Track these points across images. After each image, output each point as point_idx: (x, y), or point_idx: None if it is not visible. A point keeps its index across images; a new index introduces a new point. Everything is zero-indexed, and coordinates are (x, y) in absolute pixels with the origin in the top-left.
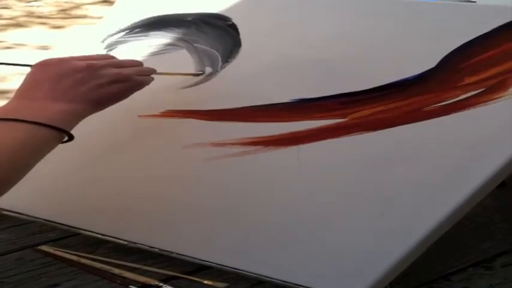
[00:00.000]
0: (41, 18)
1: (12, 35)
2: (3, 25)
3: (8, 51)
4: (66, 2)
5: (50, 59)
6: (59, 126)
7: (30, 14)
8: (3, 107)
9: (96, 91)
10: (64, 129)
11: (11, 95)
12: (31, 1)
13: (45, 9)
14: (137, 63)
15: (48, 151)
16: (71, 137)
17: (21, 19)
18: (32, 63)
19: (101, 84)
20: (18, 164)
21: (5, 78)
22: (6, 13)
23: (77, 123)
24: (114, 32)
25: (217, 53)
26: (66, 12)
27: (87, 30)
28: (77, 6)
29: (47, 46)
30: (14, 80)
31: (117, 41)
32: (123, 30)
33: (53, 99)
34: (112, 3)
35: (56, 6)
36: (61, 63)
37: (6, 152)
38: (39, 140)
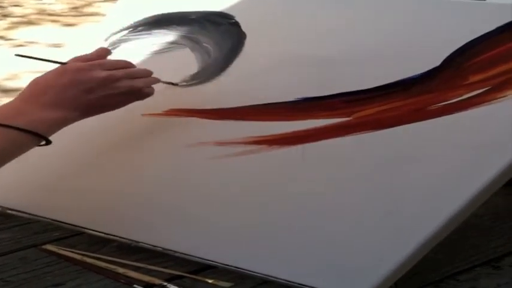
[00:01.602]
0: (52, 16)
1: (23, 33)
2: (14, 23)
3: (20, 49)
4: (78, 0)
5: (70, 66)
6: (44, 135)
7: (41, 12)
8: (3, 106)
9: (104, 100)
10: (46, 138)
11: None
12: None
13: (56, 7)
14: (148, 72)
15: (23, 153)
16: (49, 143)
17: (33, 17)
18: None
19: (113, 94)
20: None
21: (16, 76)
22: (17, 11)
23: (66, 125)
24: (117, 30)
25: (220, 51)
26: (78, 9)
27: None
28: (89, 4)
29: (58, 44)
30: (26, 78)
31: (120, 39)
32: (126, 29)
33: (54, 105)
34: None
35: (68, 3)
36: (81, 71)
37: None
38: (22, 145)
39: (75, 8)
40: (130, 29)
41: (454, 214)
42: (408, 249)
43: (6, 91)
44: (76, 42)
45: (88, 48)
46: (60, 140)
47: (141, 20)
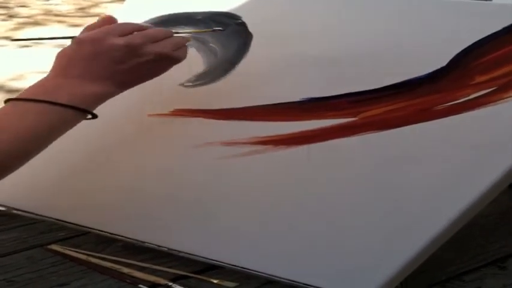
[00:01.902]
0: (58, 17)
1: (30, 34)
2: (21, 23)
3: (26, 49)
4: (84, 0)
5: (85, 36)
6: (88, 109)
7: (48, 12)
8: (40, 83)
9: (135, 70)
10: (92, 112)
11: None
12: None
13: (63, 8)
14: (171, 34)
15: (70, 128)
16: (95, 117)
17: (39, 17)
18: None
19: (141, 63)
20: (41, 141)
21: (22, 77)
22: (24, 11)
23: (106, 100)
24: None
25: (227, 52)
26: (85, 10)
27: None
28: (95, 5)
29: (64, 45)
30: (31, 78)
31: None
32: None
33: (90, 78)
34: None
35: (74, 4)
36: (96, 41)
37: (33, 132)
38: (66, 121)
39: (82, 8)
40: None
41: (460, 214)
42: (414, 249)
43: (11, 91)
44: None
45: None
46: (66, 140)
47: (148, 21)
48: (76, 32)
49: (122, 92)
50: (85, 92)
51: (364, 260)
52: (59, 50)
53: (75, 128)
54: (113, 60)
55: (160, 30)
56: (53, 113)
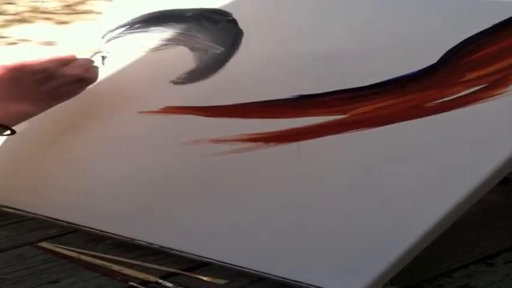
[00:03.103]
0: (45, 14)
1: (16, 31)
2: (7, 20)
3: (13, 46)
4: None
5: (8, 64)
6: (9, 125)
7: (35, 10)
8: None
9: (54, 92)
10: (11, 128)
11: None
12: None
13: (49, 5)
14: (73, 57)
15: None
16: (13, 133)
17: (26, 14)
18: None
19: (59, 85)
20: None
21: None
22: (11, 8)
23: (28, 119)
24: (114, 27)
25: (217, 49)
26: (71, 7)
27: (92, 25)
28: (82, 2)
29: (51, 42)
30: None
31: (117, 37)
32: (123, 26)
33: (14, 100)
34: None
35: (61, 1)
36: (19, 68)
37: None
38: None
39: (68, 5)
40: (127, 26)
41: (450, 211)
42: (403, 246)
43: None
44: (69, 40)
45: (83, 46)
46: (54, 137)
47: (138, 17)
48: (63, 30)
49: (42, 111)
50: (9, 111)
51: (354, 257)
52: (47, 47)
53: (63, 124)
54: (35, 82)
55: (64, 55)
56: None
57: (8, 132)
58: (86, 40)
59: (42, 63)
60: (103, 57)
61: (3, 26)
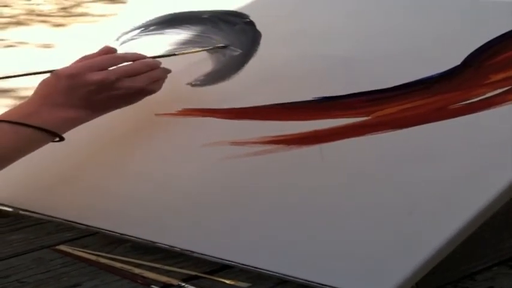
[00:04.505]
0: (41, 16)
1: (13, 33)
2: (3, 23)
3: (10, 49)
4: (66, 0)
5: (62, 71)
6: (58, 132)
7: (30, 12)
8: (18, 107)
9: (108, 101)
10: (59, 134)
11: (15, 94)
12: None
13: (45, 7)
14: (151, 65)
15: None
16: (62, 139)
17: (22, 17)
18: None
19: (114, 95)
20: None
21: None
22: (6, 11)
23: (78, 125)
24: (128, 29)
25: (235, 51)
26: (67, 10)
27: (88, 28)
28: (78, 4)
29: (48, 44)
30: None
31: (131, 39)
32: (138, 28)
33: (65, 106)
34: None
35: (56, 4)
36: (73, 76)
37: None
38: (35, 142)
39: (64, 8)
40: (142, 29)
41: (476, 214)
42: (430, 249)
43: None
44: (66, 43)
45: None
46: (73, 141)
47: (153, 20)
48: (60, 32)
49: (92, 119)
50: (56, 117)
51: (380, 259)
52: (44, 50)
53: (81, 128)
54: (88, 93)
55: (140, 63)
56: (25, 134)
57: (57, 138)
58: (98, 42)
59: (103, 74)
60: None
61: None
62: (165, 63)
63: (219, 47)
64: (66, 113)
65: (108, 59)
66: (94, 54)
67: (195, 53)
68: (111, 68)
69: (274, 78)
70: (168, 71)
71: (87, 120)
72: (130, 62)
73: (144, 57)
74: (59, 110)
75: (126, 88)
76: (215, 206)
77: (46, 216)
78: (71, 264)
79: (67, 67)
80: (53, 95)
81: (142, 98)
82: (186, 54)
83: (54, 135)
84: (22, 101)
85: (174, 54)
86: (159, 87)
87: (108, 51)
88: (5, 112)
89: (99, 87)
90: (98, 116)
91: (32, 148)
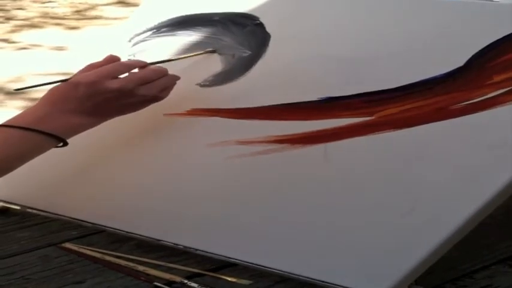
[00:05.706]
0: (55, 19)
1: (27, 36)
2: (18, 26)
3: (24, 51)
4: (80, 3)
5: (81, 79)
6: (66, 138)
7: (45, 15)
8: (28, 112)
9: (122, 108)
10: (65, 140)
11: (26, 95)
12: (45, 2)
13: (59, 10)
14: (162, 73)
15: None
16: (66, 144)
17: (36, 20)
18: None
19: (129, 103)
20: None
21: (20, 78)
22: (21, 14)
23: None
24: (140, 31)
25: (244, 52)
26: (81, 13)
27: (102, 31)
28: (92, 7)
29: (62, 47)
30: (29, 80)
31: (143, 40)
32: (150, 30)
33: (78, 113)
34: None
35: (71, 7)
36: (92, 84)
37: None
38: (41, 147)
39: (78, 11)
40: (154, 30)
41: (475, 213)
42: (429, 247)
43: (10, 93)
44: (79, 46)
45: (104, 51)
46: (81, 140)
47: (165, 21)
48: (73, 35)
49: (100, 124)
50: (68, 123)
51: (380, 257)
52: (57, 52)
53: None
54: (106, 101)
55: (152, 71)
56: (33, 140)
57: (61, 144)
58: (111, 44)
59: (121, 81)
60: None
61: (13, 31)
62: (174, 64)
63: (208, 51)
64: (75, 119)
65: (118, 67)
66: (100, 62)
67: (205, 55)
68: (122, 76)
69: (281, 79)
70: (177, 78)
71: (93, 127)
72: (136, 70)
73: (147, 64)
74: (69, 116)
75: (141, 96)
76: (220, 204)
77: (53, 215)
78: (76, 261)
79: (85, 75)
80: (63, 101)
81: (151, 104)
82: (194, 57)
83: (62, 141)
84: (30, 106)
85: (169, 60)
86: (167, 95)
87: (113, 59)
88: (14, 117)
89: (118, 95)
90: (103, 122)
91: (37, 153)
